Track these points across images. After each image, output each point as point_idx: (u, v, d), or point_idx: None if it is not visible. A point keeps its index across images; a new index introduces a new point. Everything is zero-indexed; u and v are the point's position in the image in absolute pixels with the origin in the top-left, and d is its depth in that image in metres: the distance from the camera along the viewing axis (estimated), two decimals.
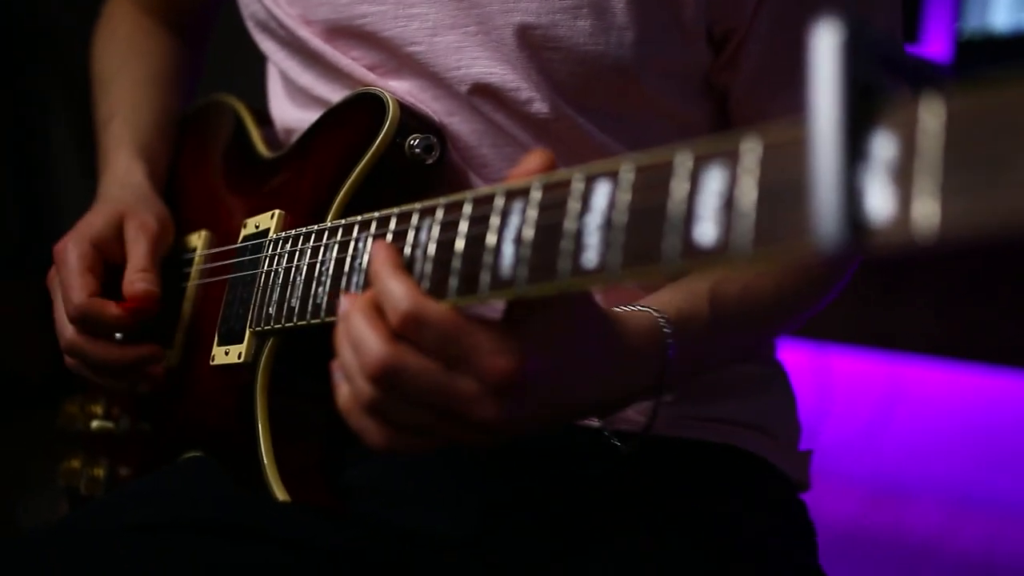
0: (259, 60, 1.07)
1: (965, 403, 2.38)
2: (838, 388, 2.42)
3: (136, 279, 0.94)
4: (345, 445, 0.91)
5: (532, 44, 0.84)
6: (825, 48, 0.46)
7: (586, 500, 0.87)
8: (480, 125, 0.87)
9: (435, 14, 0.86)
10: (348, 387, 0.66)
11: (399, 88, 0.89)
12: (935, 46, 2.22)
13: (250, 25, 1.02)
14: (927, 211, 0.42)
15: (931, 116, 0.43)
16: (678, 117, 0.89)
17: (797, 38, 0.84)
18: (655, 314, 0.73)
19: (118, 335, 0.94)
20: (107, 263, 0.97)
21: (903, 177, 0.44)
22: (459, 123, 0.88)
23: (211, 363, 0.93)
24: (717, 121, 0.93)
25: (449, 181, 0.88)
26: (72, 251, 0.94)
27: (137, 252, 0.95)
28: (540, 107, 0.85)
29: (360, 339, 0.63)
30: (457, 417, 0.62)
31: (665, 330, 0.72)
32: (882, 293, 2.19)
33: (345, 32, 0.91)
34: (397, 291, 0.62)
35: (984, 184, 0.41)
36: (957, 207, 0.42)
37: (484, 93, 0.86)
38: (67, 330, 0.95)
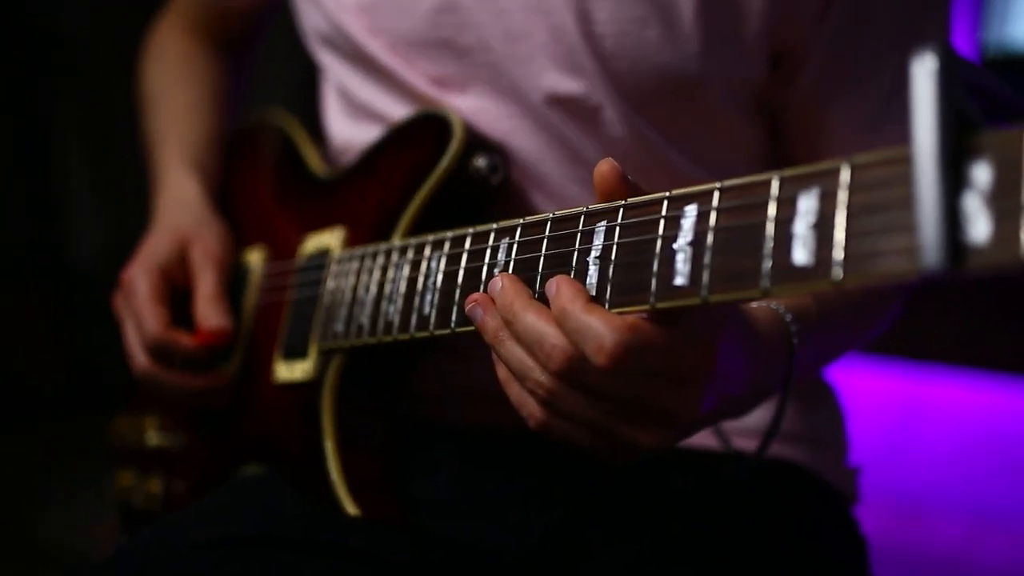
0: (298, 74, 1.09)
1: (989, 414, 2.39)
2: (861, 400, 2.43)
3: (210, 313, 0.96)
4: (409, 457, 0.93)
5: (602, 53, 0.86)
6: (923, 77, 0.48)
7: (647, 516, 0.89)
8: (547, 138, 0.89)
9: (506, 24, 0.88)
10: (504, 370, 0.66)
11: (464, 102, 0.91)
12: None
13: (311, 40, 1.04)
14: None
15: None
16: (736, 132, 0.92)
17: (855, 55, 0.87)
18: (779, 310, 0.74)
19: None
20: (174, 286, 0.99)
21: (1002, 201, 0.46)
22: (525, 136, 0.90)
23: (274, 379, 0.95)
24: (769, 138, 0.95)
25: (511, 201, 0.90)
26: (141, 280, 0.97)
27: (206, 281, 0.98)
28: (609, 115, 0.87)
29: (541, 335, 0.62)
30: (644, 413, 0.62)
31: (791, 326, 0.73)
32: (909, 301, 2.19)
33: (414, 43, 0.92)
34: (598, 326, 0.59)
35: None
36: None
37: (554, 103, 0.88)
38: (140, 358, 0.98)
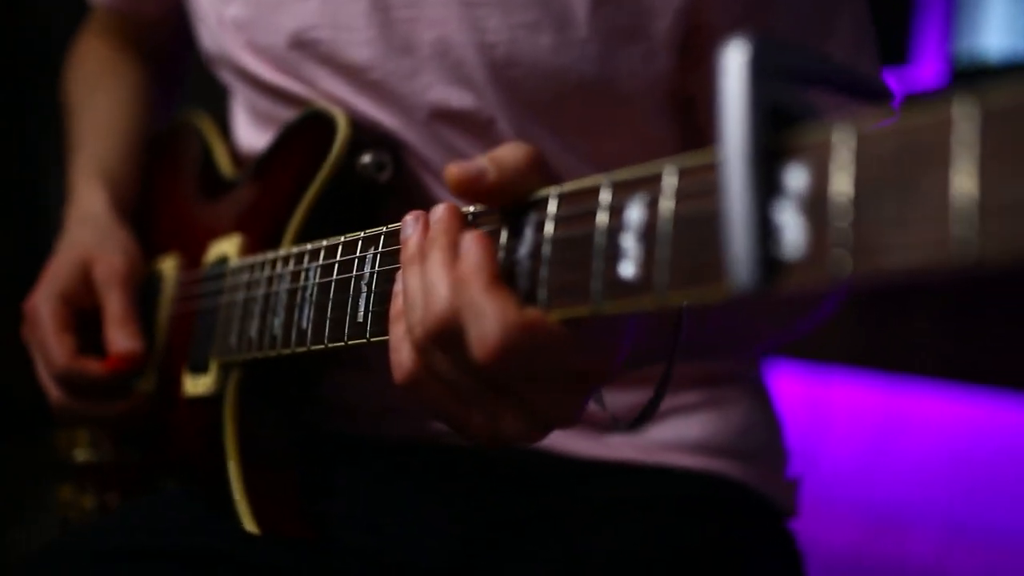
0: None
1: (965, 429, 2.33)
2: (836, 414, 2.37)
3: (118, 336, 0.92)
4: (321, 471, 0.90)
5: (492, 64, 0.80)
6: (732, 69, 0.43)
7: (565, 531, 0.85)
8: (441, 151, 0.84)
9: (385, 37, 0.83)
10: (399, 304, 0.59)
11: (354, 112, 0.86)
12: (927, 68, 2.18)
13: (205, 59, 1.00)
14: (840, 248, 0.39)
15: (842, 144, 0.40)
16: (647, 137, 0.85)
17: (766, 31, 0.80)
18: None
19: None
20: (81, 310, 0.95)
21: (816, 209, 0.41)
22: (421, 148, 0.85)
23: (183, 394, 0.91)
24: (688, 141, 0.88)
25: (410, 199, 0.85)
26: (43, 310, 0.93)
27: (111, 301, 0.93)
28: (503, 128, 0.82)
29: (431, 285, 0.55)
30: (515, 404, 0.56)
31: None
32: (881, 314, 2.17)
33: (292, 61, 0.88)
34: (491, 315, 0.52)
35: (900, 217, 0.38)
36: (873, 242, 0.39)
37: (443, 118, 0.83)
38: (53, 391, 0.94)
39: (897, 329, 2.23)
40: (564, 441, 0.89)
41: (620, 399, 0.74)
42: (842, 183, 0.40)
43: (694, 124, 0.86)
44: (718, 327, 0.75)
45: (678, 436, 0.89)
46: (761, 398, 0.96)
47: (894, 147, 0.38)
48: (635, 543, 0.85)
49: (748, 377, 0.96)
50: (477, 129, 0.82)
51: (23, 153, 2.85)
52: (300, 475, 0.87)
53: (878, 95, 0.48)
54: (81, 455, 1.07)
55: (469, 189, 0.55)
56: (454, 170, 0.55)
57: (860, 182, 0.39)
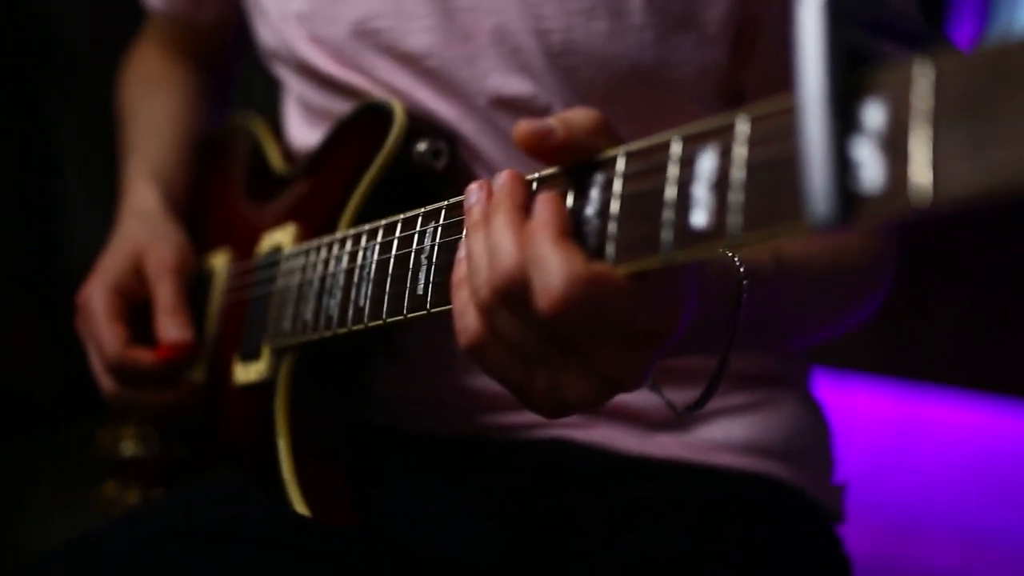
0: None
1: (984, 435, 2.31)
2: (855, 420, 2.35)
3: (168, 326, 0.93)
4: (372, 462, 0.90)
5: (549, 50, 0.82)
6: (809, 14, 0.44)
7: (612, 529, 0.85)
8: (497, 142, 0.85)
9: (448, 28, 0.84)
10: (463, 269, 0.59)
11: (413, 100, 0.88)
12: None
13: (265, 56, 1.02)
14: (921, 177, 0.40)
15: (922, 78, 0.41)
16: None
17: None
18: (727, 252, 0.65)
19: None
20: (133, 302, 0.96)
21: (895, 143, 0.41)
22: (477, 136, 0.86)
23: (234, 382, 0.92)
24: None
25: (461, 187, 0.86)
26: (96, 300, 0.95)
27: (163, 293, 0.95)
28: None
29: (497, 246, 0.55)
30: (581, 362, 0.55)
31: (739, 266, 0.64)
32: (902, 320, 2.15)
33: (352, 51, 0.89)
34: (555, 267, 0.52)
35: (978, 144, 0.39)
36: (952, 169, 0.39)
37: (501, 105, 0.84)
38: (106, 381, 0.95)
39: (916, 336, 2.22)
40: (612, 436, 0.89)
41: (674, 397, 0.74)
42: (921, 116, 0.40)
43: None
44: (775, 307, 0.75)
45: (726, 436, 0.89)
46: (810, 402, 0.96)
47: (976, 76, 0.39)
48: (670, 543, 0.84)
49: (797, 380, 0.96)
50: (534, 116, 0.83)
51: (23, 153, 2.86)
52: (348, 463, 0.87)
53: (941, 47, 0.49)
54: (128, 449, 1.08)
55: (537, 146, 0.56)
56: (523, 126, 0.56)
57: (939, 114, 0.40)
